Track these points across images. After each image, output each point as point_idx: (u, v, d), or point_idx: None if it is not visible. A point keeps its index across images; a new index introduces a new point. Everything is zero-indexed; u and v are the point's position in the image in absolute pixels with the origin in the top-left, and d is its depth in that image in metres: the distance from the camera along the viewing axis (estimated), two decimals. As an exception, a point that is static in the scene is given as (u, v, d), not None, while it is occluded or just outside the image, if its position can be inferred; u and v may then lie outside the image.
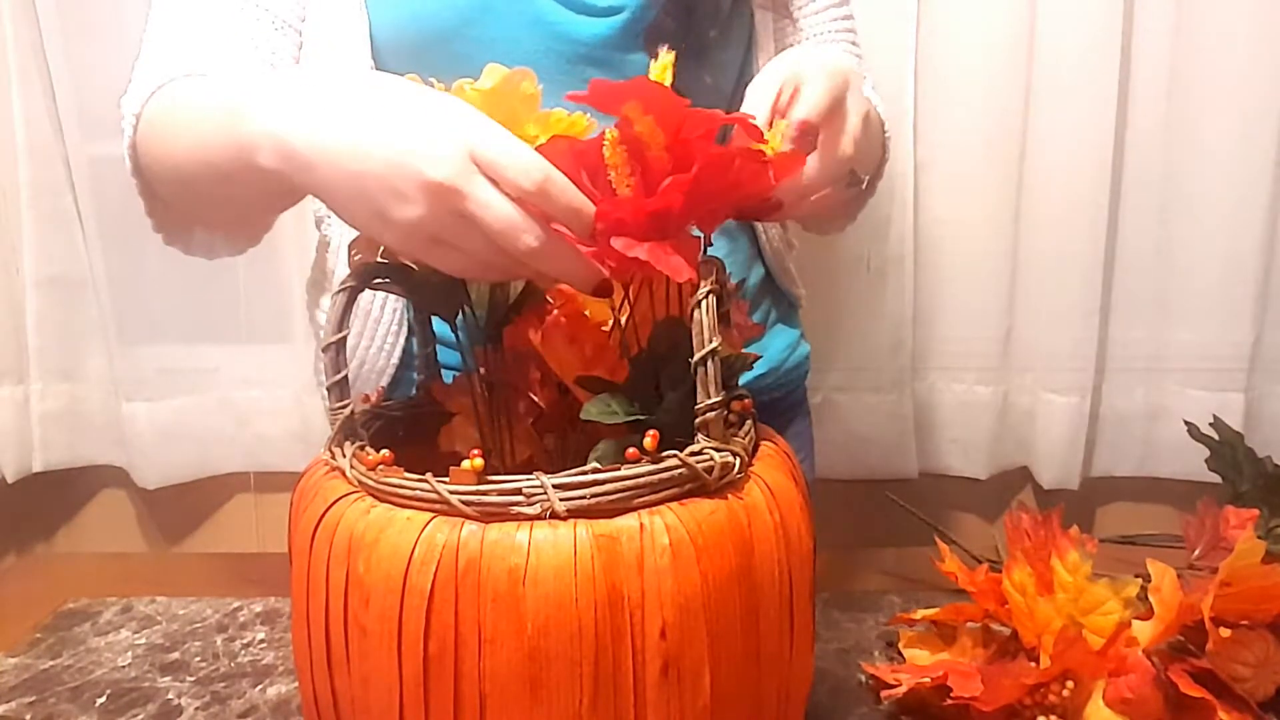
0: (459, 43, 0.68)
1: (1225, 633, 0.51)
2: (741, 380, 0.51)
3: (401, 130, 0.42)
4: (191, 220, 0.69)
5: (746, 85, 0.77)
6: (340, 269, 0.77)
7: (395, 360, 0.75)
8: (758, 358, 0.50)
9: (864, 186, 0.74)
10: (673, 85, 0.69)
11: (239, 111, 0.50)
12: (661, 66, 0.46)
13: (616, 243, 0.41)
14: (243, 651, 0.65)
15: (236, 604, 0.71)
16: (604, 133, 0.43)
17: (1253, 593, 0.52)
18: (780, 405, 0.87)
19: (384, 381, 0.75)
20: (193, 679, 0.61)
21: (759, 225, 0.81)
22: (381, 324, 0.74)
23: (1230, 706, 0.50)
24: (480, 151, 0.42)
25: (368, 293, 0.73)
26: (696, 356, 0.41)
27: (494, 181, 0.41)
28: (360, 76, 0.47)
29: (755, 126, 0.45)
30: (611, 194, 0.43)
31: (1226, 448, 0.68)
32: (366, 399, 0.54)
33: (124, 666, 0.63)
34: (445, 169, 0.41)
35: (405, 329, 0.75)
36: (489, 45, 0.67)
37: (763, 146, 0.45)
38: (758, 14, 0.76)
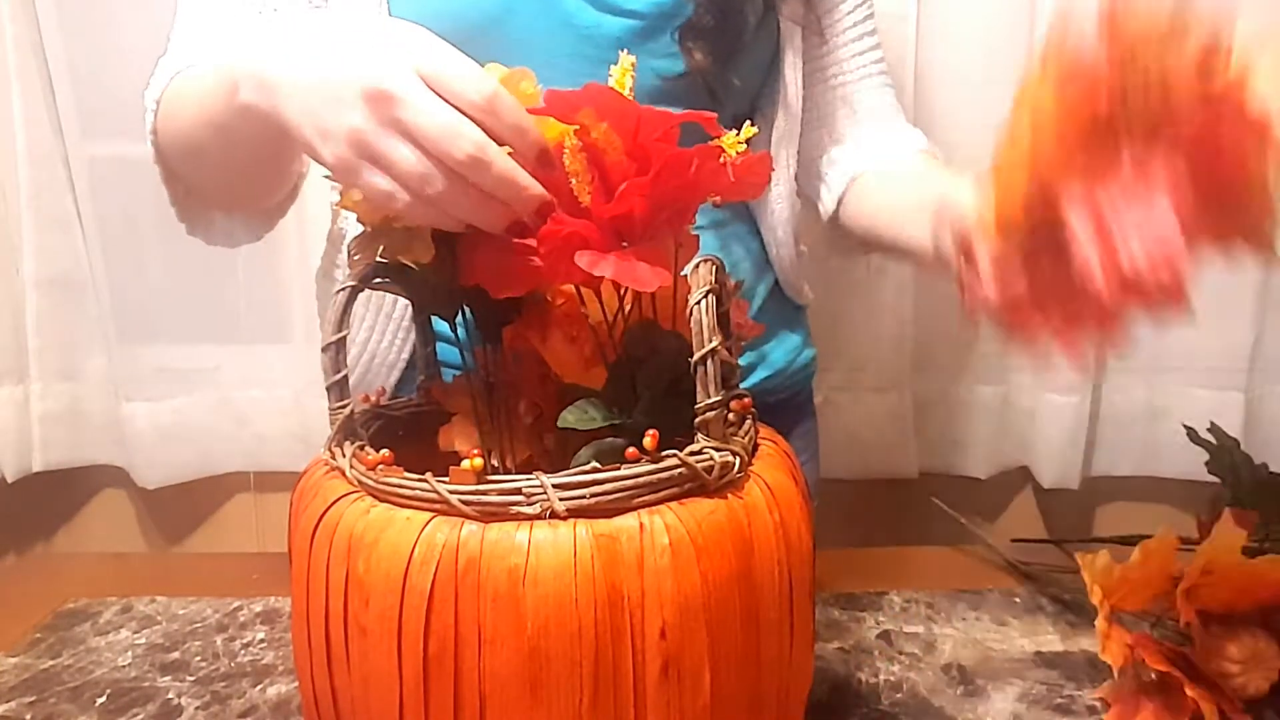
0: (484, 42, 0.67)
1: (1212, 628, 0.52)
2: (747, 382, 0.50)
3: (352, 48, 0.44)
4: (211, 199, 0.71)
5: (771, 89, 0.78)
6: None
7: (405, 355, 0.75)
8: (748, 368, 0.50)
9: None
10: (704, 86, 0.70)
11: (227, 62, 0.53)
12: (621, 70, 0.46)
13: (581, 259, 0.41)
14: (243, 651, 0.65)
15: (236, 604, 0.71)
16: (563, 141, 0.43)
17: (1235, 582, 0.52)
18: (786, 407, 0.87)
19: (394, 376, 0.75)
20: (193, 679, 0.61)
21: (768, 232, 0.81)
22: (394, 319, 0.75)
23: (1205, 689, 0.50)
24: (426, 66, 0.42)
25: None
26: (696, 356, 0.41)
27: (438, 95, 0.42)
28: (332, 14, 0.48)
29: (713, 122, 0.45)
30: (574, 202, 0.43)
31: (1224, 453, 0.68)
32: (366, 399, 0.54)
33: (124, 666, 0.63)
34: (384, 76, 0.42)
35: None
36: (514, 45, 0.67)
37: (720, 142, 0.45)
38: (784, 24, 0.76)
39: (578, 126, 0.43)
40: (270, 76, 0.47)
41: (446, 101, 0.42)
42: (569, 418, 0.45)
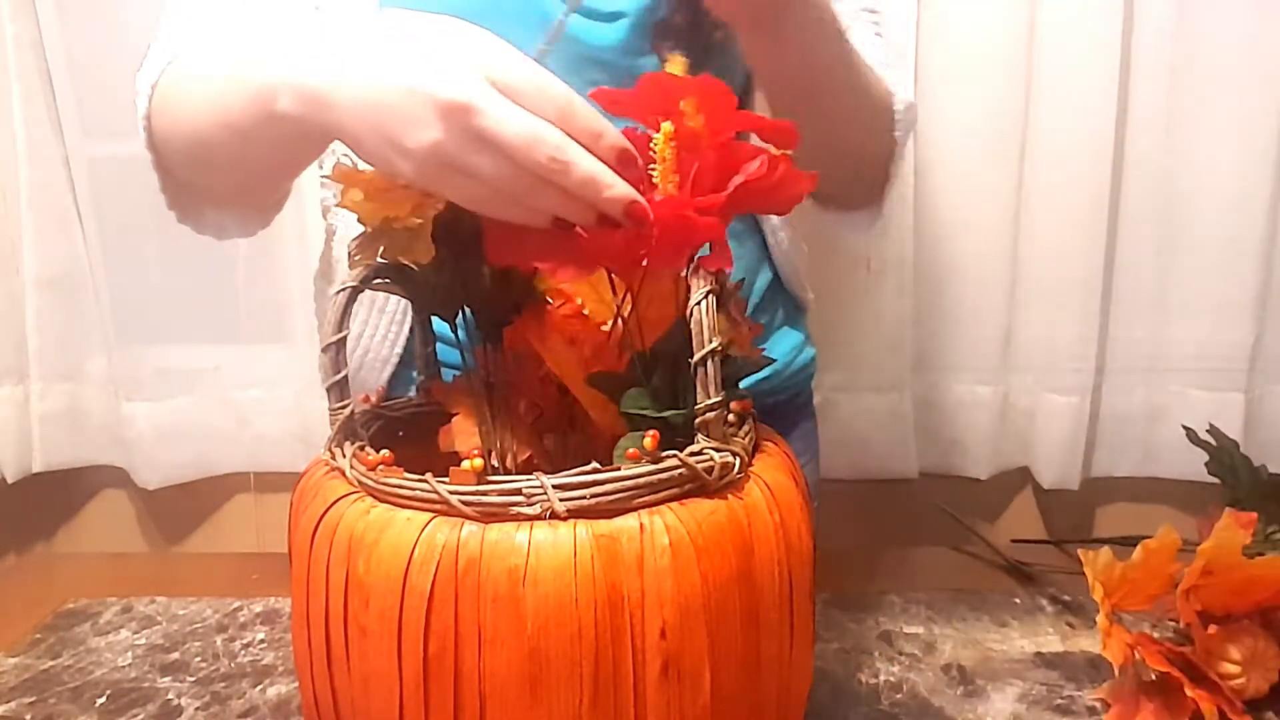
0: None
1: (1212, 629, 0.52)
2: (745, 382, 0.50)
3: (416, 58, 0.42)
4: (205, 194, 0.70)
5: (751, 88, 0.78)
6: (345, 259, 0.78)
7: (398, 351, 0.75)
8: (771, 360, 0.49)
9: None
10: None
11: (253, 64, 0.51)
12: (677, 69, 0.46)
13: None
14: (243, 651, 0.65)
15: (236, 604, 0.71)
16: (634, 128, 0.43)
17: (1235, 582, 0.52)
18: (786, 408, 0.86)
19: (387, 373, 0.75)
20: (193, 679, 0.61)
21: (768, 228, 0.81)
22: (386, 313, 0.75)
23: (1205, 689, 0.50)
24: (497, 74, 0.42)
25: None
26: (696, 356, 0.41)
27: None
28: (374, 15, 0.46)
29: (791, 131, 0.45)
30: (652, 188, 0.43)
31: (1224, 454, 0.68)
32: (366, 399, 0.54)
33: (124, 666, 0.63)
34: (458, 88, 0.41)
35: (410, 323, 0.75)
36: None
37: (789, 153, 0.44)
38: None
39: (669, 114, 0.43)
40: (321, 89, 0.45)
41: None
42: (629, 403, 0.45)
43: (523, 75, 0.42)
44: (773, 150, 0.44)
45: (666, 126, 0.42)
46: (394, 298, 0.74)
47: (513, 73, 0.42)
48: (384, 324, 0.75)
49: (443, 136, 0.41)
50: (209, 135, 0.59)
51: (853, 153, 0.75)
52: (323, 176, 0.79)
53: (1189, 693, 0.50)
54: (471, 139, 0.41)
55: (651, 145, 0.43)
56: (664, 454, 0.40)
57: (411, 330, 0.75)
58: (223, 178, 0.67)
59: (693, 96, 0.42)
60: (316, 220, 0.94)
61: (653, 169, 0.43)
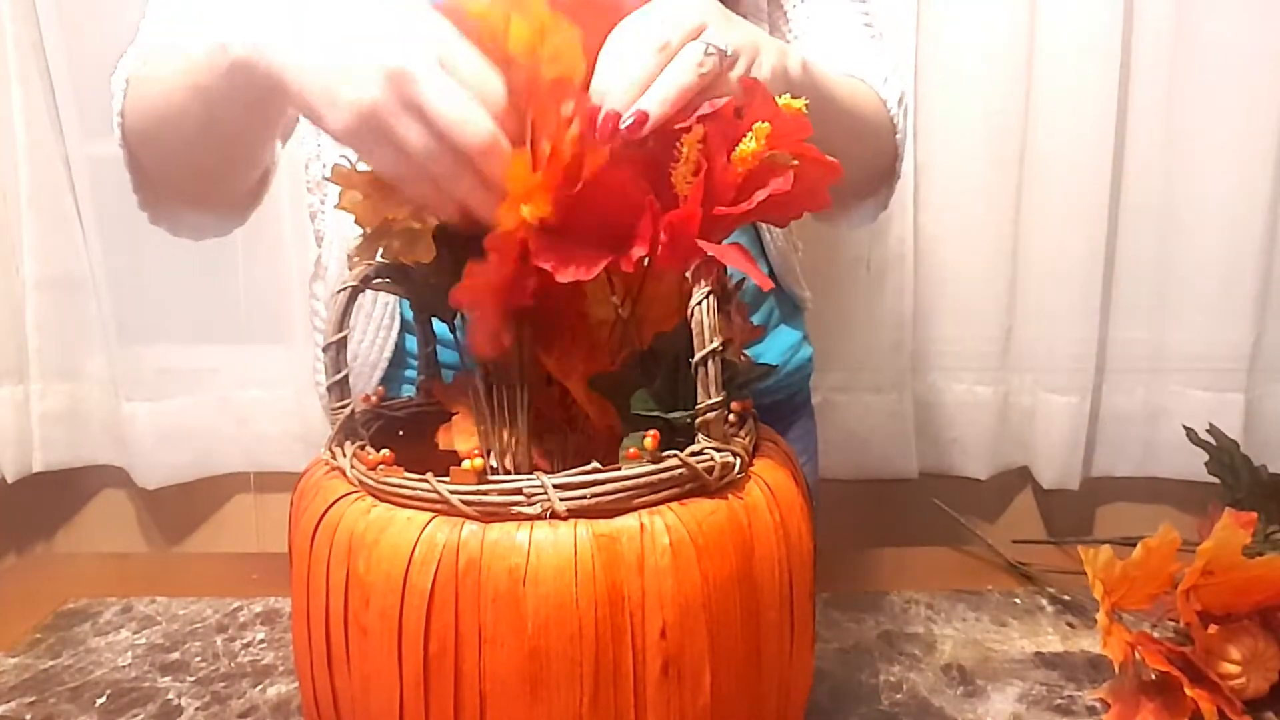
0: None
1: (1212, 629, 0.52)
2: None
3: (375, 25, 0.44)
4: (180, 190, 0.70)
5: None
6: (332, 263, 0.78)
7: (387, 355, 0.75)
8: (774, 369, 0.49)
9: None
10: None
11: (215, 23, 0.52)
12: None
13: (708, 247, 0.41)
14: (243, 651, 0.65)
15: (236, 604, 0.71)
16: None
17: (1235, 582, 0.52)
18: (783, 408, 0.86)
19: (377, 376, 0.75)
20: (193, 679, 0.61)
21: (761, 224, 0.81)
22: (373, 319, 0.75)
23: (1205, 689, 0.50)
24: (447, 57, 0.42)
25: None
26: (697, 357, 0.41)
27: None
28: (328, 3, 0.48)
29: (838, 170, 0.44)
30: (669, 188, 0.43)
31: (1224, 454, 0.68)
32: (367, 399, 0.54)
33: (124, 666, 0.63)
34: (406, 56, 0.42)
35: (398, 325, 0.75)
36: None
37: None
38: (750, 19, 0.75)
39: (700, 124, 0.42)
40: (273, 39, 0.47)
41: None
42: (638, 404, 0.45)
43: (471, 64, 0.43)
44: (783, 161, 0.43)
45: (698, 130, 0.42)
46: (380, 302, 0.74)
47: (462, 60, 0.42)
48: (371, 329, 0.75)
49: (380, 97, 0.42)
50: (176, 100, 0.59)
51: (860, 168, 0.74)
52: (308, 182, 0.79)
53: (1189, 692, 0.50)
54: (407, 106, 0.42)
55: (679, 143, 0.42)
56: (664, 454, 0.40)
57: (400, 335, 0.75)
58: (192, 156, 0.66)
59: (772, 125, 0.42)
60: (316, 220, 0.93)
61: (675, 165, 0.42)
